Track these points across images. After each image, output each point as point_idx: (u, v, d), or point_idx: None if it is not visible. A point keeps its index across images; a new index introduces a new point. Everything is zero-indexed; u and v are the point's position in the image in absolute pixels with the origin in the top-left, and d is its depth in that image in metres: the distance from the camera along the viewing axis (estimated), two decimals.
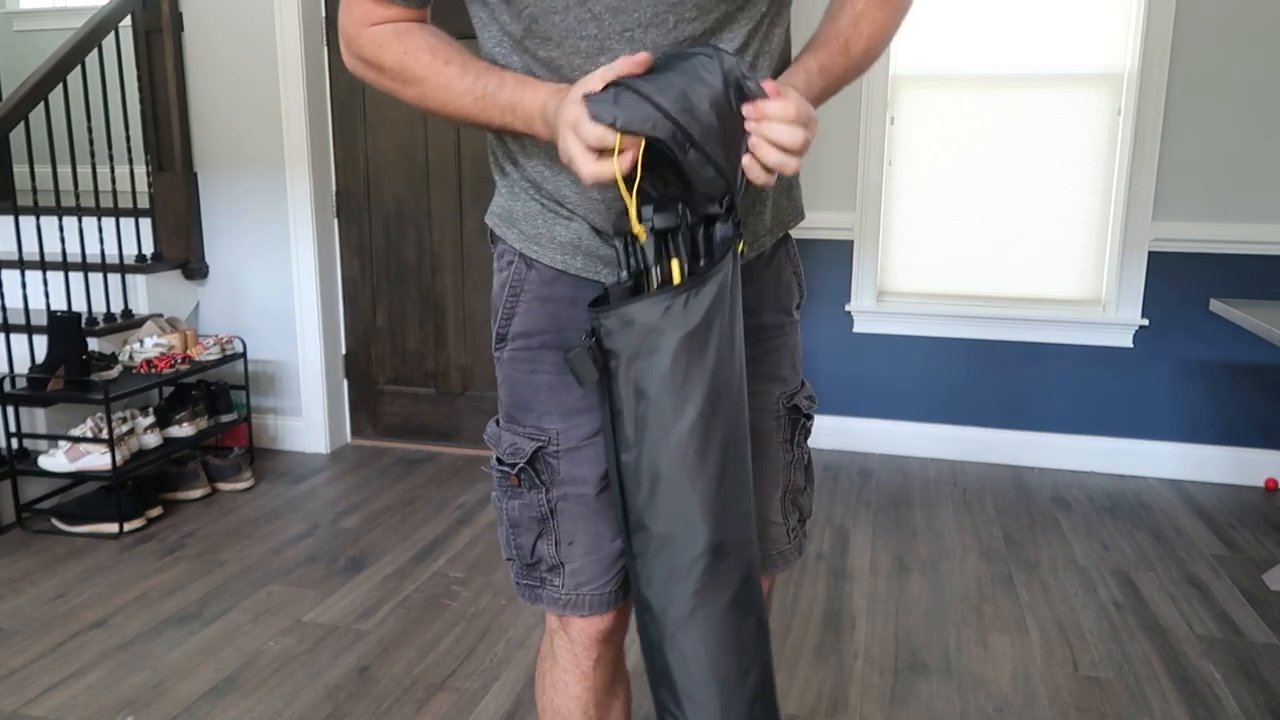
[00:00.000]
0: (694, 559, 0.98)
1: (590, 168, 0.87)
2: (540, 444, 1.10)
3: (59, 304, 3.15)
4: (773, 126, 0.89)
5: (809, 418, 1.22)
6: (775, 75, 1.05)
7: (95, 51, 3.09)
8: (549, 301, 1.09)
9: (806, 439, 1.23)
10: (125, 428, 2.87)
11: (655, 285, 0.93)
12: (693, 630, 1.00)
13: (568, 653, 1.19)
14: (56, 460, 2.79)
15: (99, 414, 2.87)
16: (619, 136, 0.85)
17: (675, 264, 0.93)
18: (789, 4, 1.08)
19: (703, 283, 0.93)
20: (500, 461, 1.12)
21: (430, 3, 1.06)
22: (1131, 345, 3.26)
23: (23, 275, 2.94)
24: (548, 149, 1.03)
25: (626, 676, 1.27)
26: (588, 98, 0.87)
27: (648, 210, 0.91)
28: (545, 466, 1.10)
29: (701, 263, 0.95)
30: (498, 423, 1.15)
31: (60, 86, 2.96)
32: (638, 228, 0.91)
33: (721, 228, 0.94)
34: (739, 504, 1.01)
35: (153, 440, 2.98)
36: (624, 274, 0.94)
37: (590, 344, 0.93)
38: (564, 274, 1.07)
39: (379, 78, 1.06)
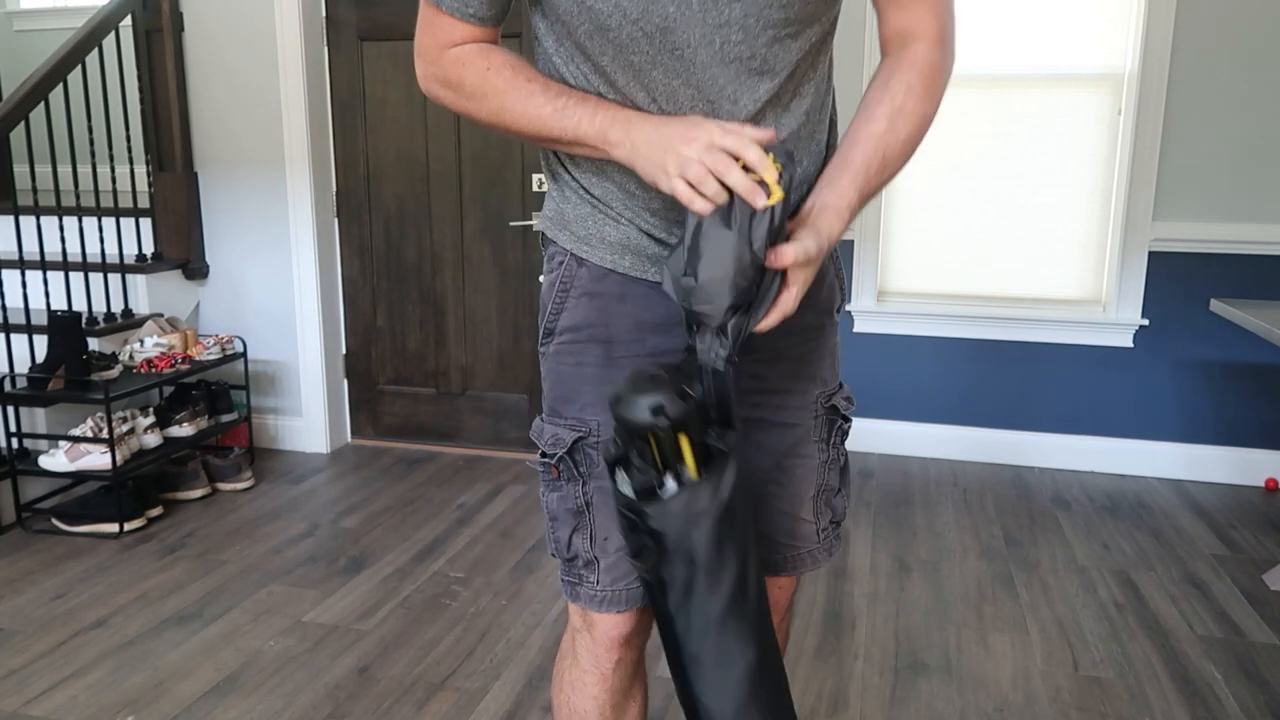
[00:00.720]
0: (741, 676, 1.05)
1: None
2: (581, 434, 1.12)
3: (59, 304, 3.15)
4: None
5: (846, 419, 1.24)
6: (816, 103, 1.08)
7: (95, 51, 3.09)
8: (598, 297, 1.12)
9: (844, 440, 1.24)
10: (125, 427, 2.88)
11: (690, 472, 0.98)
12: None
13: (589, 653, 1.19)
14: (57, 460, 2.79)
15: (99, 414, 2.87)
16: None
17: (686, 446, 0.97)
18: (834, 30, 1.09)
19: (726, 468, 0.98)
20: (543, 454, 1.15)
21: (504, 19, 1.09)
22: (1132, 345, 3.26)
23: (23, 275, 2.94)
24: (596, 156, 1.07)
25: (645, 680, 1.27)
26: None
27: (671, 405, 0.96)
28: (584, 458, 1.12)
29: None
30: (541, 418, 1.17)
31: (61, 86, 2.96)
32: (691, 466, 0.98)
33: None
34: (766, 622, 1.07)
35: (153, 440, 2.98)
36: (651, 477, 0.99)
37: (642, 535, 0.98)
38: (613, 272, 1.11)
39: (456, 97, 1.08)
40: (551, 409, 1.16)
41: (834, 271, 1.22)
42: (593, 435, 1.12)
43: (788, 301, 0.97)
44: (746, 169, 0.92)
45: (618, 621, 1.16)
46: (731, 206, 0.92)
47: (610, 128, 0.99)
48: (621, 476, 0.99)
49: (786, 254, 0.94)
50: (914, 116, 1.05)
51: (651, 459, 0.97)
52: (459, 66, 1.07)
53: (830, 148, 1.14)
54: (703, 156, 0.92)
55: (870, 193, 1.05)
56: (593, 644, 1.18)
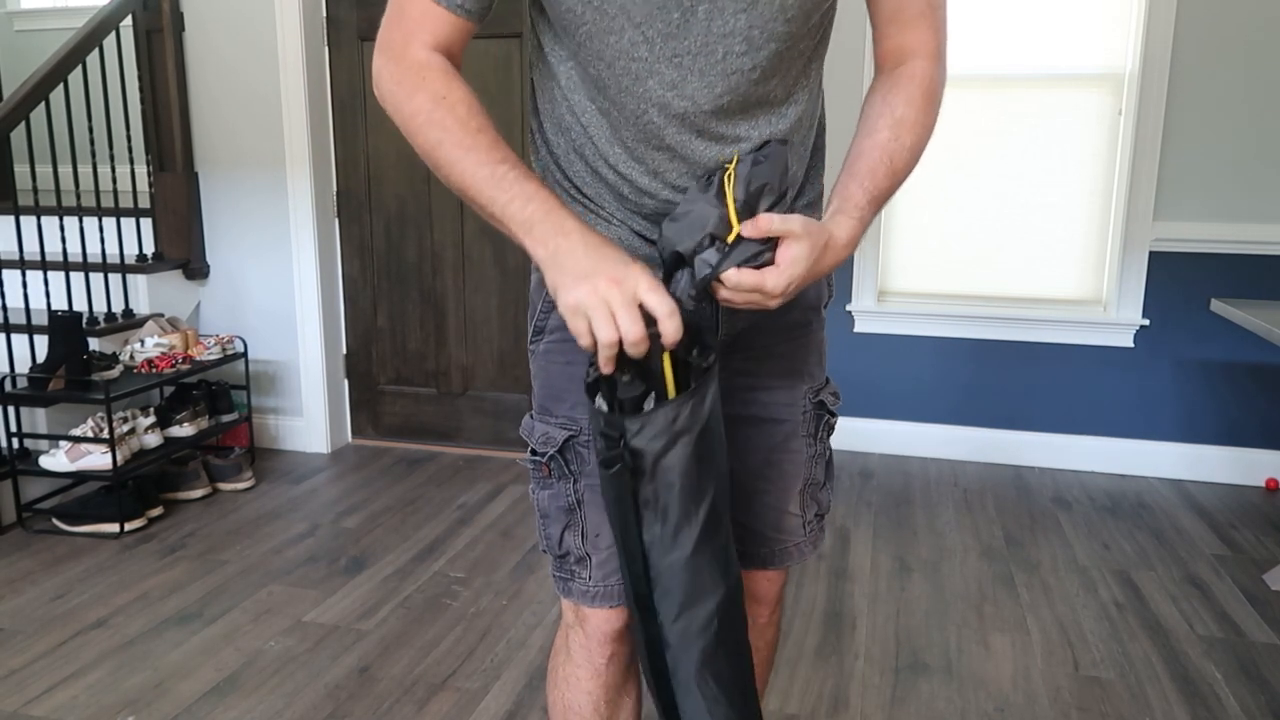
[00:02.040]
0: (712, 611, 1.03)
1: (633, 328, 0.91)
2: (572, 433, 1.12)
3: (60, 304, 3.15)
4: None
5: (833, 415, 1.25)
6: (808, 109, 1.09)
7: (96, 51, 3.09)
8: None
9: (829, 435, 1.25)
10: (126, 427, 2.88)
11: (669, 392, 0.97)
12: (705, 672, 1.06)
13: (582, 649, 1.20)
14: (57, 460, 2.79)
15: (100, 414, 2.87)
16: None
17: (667, 363, 0.97)
18: (827, 39, 1.10)
19: (707, 386, 0.97)
20: (533, 452, 1.15)
21: (484, 18, 1.05)
22: (1132, 345, 3.26)
23: (23, 275, 2.94)
24: (589, 159, 1.07)
25: (638, 675, 1.28)
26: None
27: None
28: (575, 456, 1.12)
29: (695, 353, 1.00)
30: (531, 415, 1.17)
31: (61, 86, 2.96)
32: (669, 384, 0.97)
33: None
34: (732, 561, 1.07)
35: (153, 440, 2.98)
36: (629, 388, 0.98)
37: (621, 449, 0.95)
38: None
39: (400, 109, 1.03)
40: (542, 407, 1.16)
41: None
42: (583, 434, 1.12)
43: (769, 279, 0.93)
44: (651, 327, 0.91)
45: (610, 616, 1.16)
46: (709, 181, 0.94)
47: (539, 223, 0.95)
48: (600, 400, 0.98)
49: (766, 220, 0.93)
50: (917, 126, 1.06)
51: (635, 376, 0.96)
52: (417, 78, 1.01)
53: (819, 150, 1.16)
54: (618, 308, 0.90)
55: (880, 196, 1.05)
56: (586, 639, 1.19)
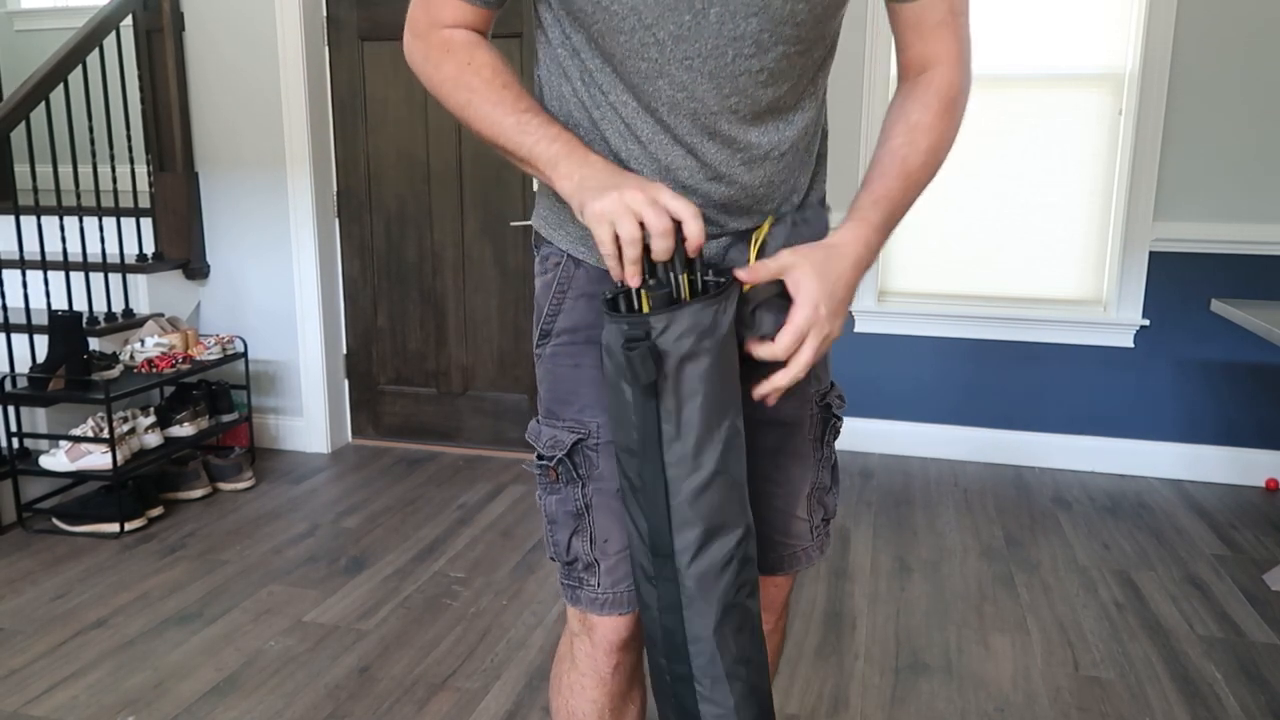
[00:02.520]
0: (733, 548, 1.02)
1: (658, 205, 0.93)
2: (580, 436, 1.11)
3: (60, 303, 3.15)
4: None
5: (839, 418, 1.25)
6: (813, 116, 1.10)
7: (96, 51, 3.09)
8: (595, 298, 1.11)
9: (835, 439, 1.25)
10: (126, 427, 2.88)
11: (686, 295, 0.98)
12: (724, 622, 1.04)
13: (588, 658, 1.19)
14: (57, 460, 2.79)
15: (100, 414, 2.87)
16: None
17: (685, 280, 0.97)
18: (834, 48, 1.10)
19: (727, 294, 0.98)
20: (540, 457, 1.14)
21: (501, 5, 1.08)
22: (1132, 345, 3.26)
23: (24, 275, 2.94)
24: (602, 154, 1.07)
25: (643, 684, 1.27)
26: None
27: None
28: (584, 460, 1.11)
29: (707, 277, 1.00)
30: (538, 420, 1.17)
31: (61, 86, 2.96)
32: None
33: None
34: (748, 504, 1.06)
35: (153, 440, 2.98)
36: (648, 284, 0.98)
37: (649, 344, 0.95)
38: (610, 273, 1.10)
39: (432, 79, 1.08)
40: (549, 411, 1.15)
41: None
42: (592, 437, 1.11)
43: (795, 319, 0.96)
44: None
45: (618, 625, 1.16)
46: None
47: (564, 159, 0.99)
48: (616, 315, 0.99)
49: (758, 266, 0.97)
50: (932, 131, 1.06)
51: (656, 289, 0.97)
52: (443, 50, 1.06)
53: (822, 157, 1.17)
54: (643, 207, 0.92)
55: (891, 196, 1.05)
56: (592, 648, 1.18)
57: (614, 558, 1.13)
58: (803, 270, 0.98)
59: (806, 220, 1.08)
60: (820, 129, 1.15)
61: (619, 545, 1.12)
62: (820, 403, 1.22)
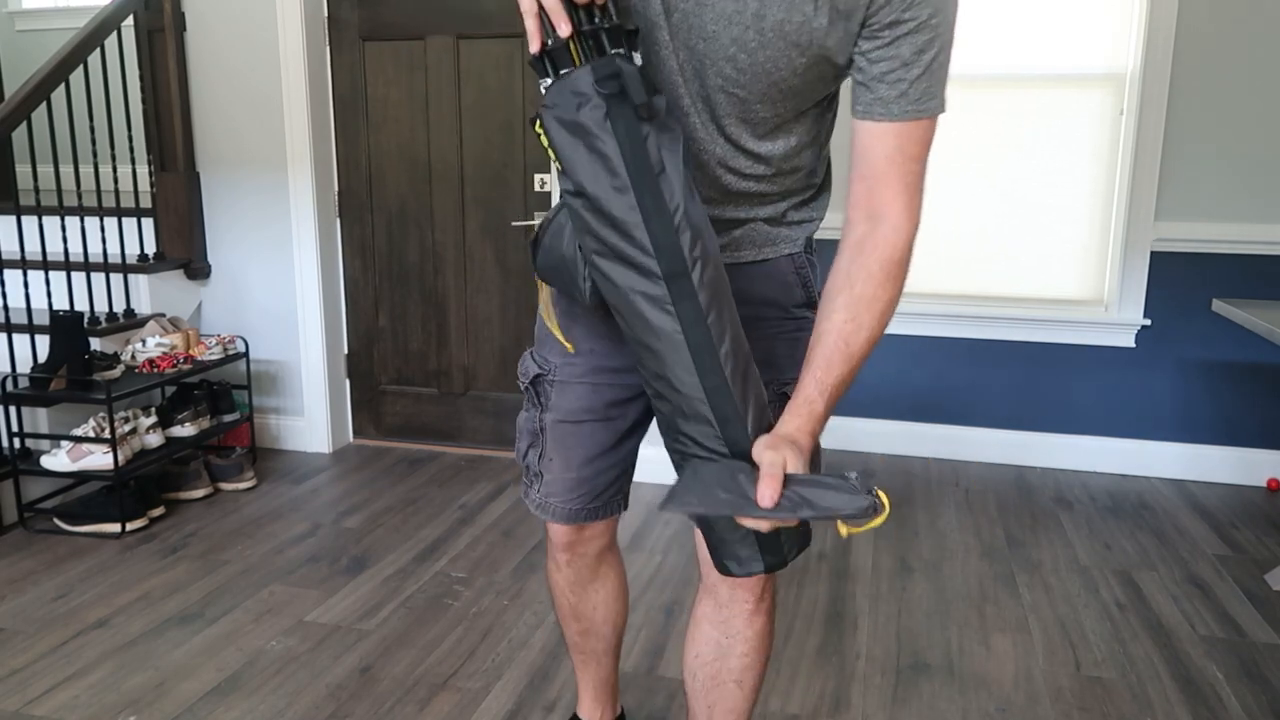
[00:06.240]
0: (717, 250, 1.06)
1: None
2: (541, 371, 1.36)
3: (61, 304, 3.15)
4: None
5: None
6: (806, 140, 1.18)
7: (98, 51, 3.09)
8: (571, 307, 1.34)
9: None
10: (127, 427, 2.88)
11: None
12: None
13: (551, 550, 1.50)
14: (59, 460, 2.79)
15: (101, 414, 2.87)
16: None
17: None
18: (835, 100, 1.21)
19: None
20: (519, 378, 1.41)
21: None
22: (1134, 345, 3.26)
23: (25, 275, 2.94)
24: None
25: (610, 573, 1.54)
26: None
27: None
28: (543, 391, 1.36)
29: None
30: (529, 350, 1.41)
31: (63, 86, 2.96)
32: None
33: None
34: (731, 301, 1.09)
35: (155, 440, 2.98)
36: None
37: (628, 67, 0.99)
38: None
39: None
40: (534, 345, 1.41)
41: (794, 270, 1.28)
42: (549, 375, 1.35)
43: (762, 494, 0.96)
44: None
45: (560, 530, 1.44)
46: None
47: None
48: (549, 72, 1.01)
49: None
50: (876, 302, 1.08)
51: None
52: None
53: (825, 189, 1.29)
54: None
55: (837, 383, 1.08)
56: (551, 543, 1.48)
57: (553, 475, 1.37)
58: (760, 452, 1.00)
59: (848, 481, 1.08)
60: (823, 158, 1.26)
61: (559, 466, 1.36)
62: (778, 391, 1.25)
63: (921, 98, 1.05)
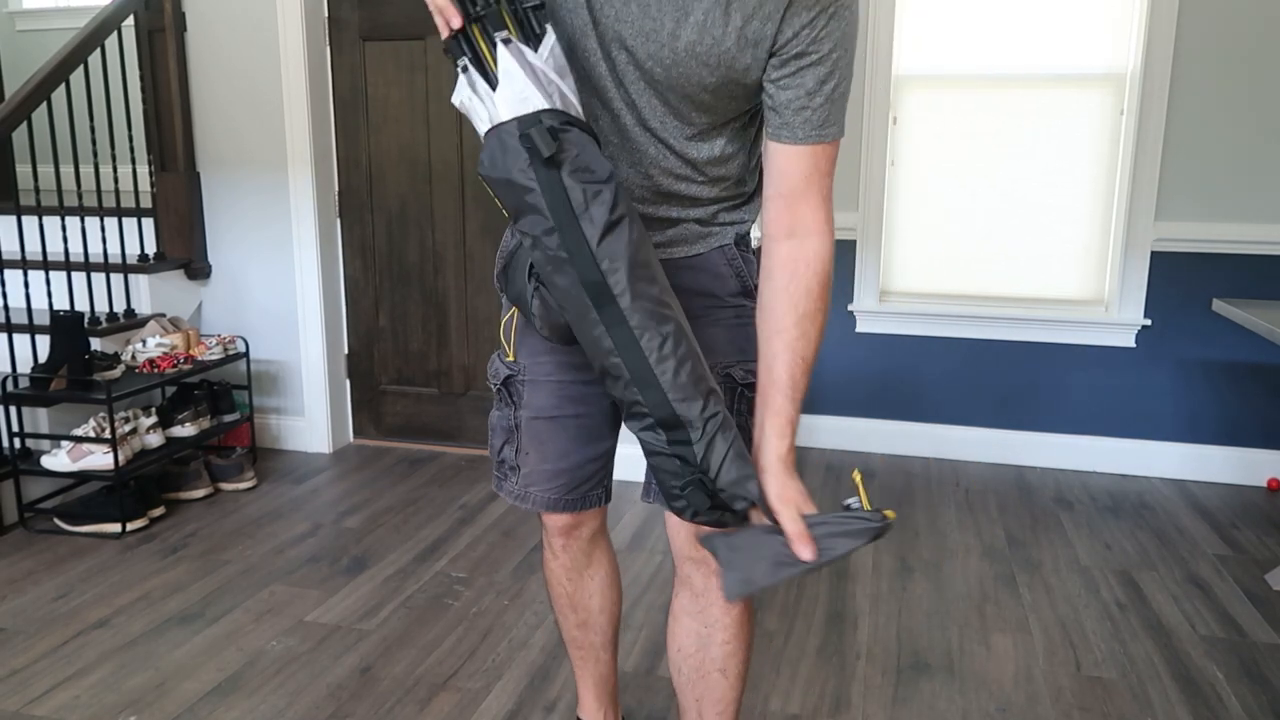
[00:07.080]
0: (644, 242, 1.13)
1: None
2: (512, 372, 1.41)
3: (61, 304, 3.15)
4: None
5: (749, 388, 1.30)
6: (737, 148, 1.25)
7: (98, 51, 3.09)
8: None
9: (750, 410, 1.29)
10: (128, 427, 2.88)
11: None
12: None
13: (546, 537, 1.53)
14: (59, 460, 2.79)
15: (101, 414, 2.87)
16: None
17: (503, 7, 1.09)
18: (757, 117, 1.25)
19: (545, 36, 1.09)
20: (490, 380, 1.46)
21: None
22: (1134, 345, 3.26)
23: (25, 275, 2.94)
24: None
25: (604, 560, 1.57)
26: None
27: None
28: (515, 390, 1.41)
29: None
30: (498, 354, 1.47)
31: (63, 86, 2.96)
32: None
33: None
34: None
35: (155, 440, 2.98)
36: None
37: (540, 126, 1.06)
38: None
39: None
40: (501, 348, 1.46)
41: (726, 262, 1.33)
42: (520, 375, 1.40)
43: (785, 522, 1.10)
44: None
45: (551, 515, 1.47)
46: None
47: None
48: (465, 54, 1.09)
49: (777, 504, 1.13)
50: (818, 315, 1.17)
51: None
52: None
53: (756, 195, 1.33)
54: None
55: (801, 395, 1.18)
56: (546, 531, 1.51)
57: (530, 467, 1.42)
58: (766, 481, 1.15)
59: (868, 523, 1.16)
60: (754, 166, 1.31)
61: (536, 459, 1.41)
62: (721, 373, 1.29)
63: (824, 124, 1.14)
